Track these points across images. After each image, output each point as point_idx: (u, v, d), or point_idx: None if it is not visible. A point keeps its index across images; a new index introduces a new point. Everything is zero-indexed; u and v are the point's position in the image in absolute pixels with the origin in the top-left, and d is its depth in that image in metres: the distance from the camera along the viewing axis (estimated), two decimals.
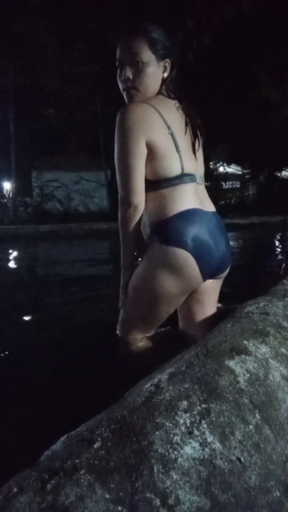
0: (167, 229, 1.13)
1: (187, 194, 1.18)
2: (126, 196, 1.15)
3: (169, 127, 1.17)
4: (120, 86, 1.22)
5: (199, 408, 0.51)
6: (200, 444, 0.46)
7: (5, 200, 11.37)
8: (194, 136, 1.25)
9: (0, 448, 0.81)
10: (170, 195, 1.16)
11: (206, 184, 1.37)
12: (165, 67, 1.20)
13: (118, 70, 1.21)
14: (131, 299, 1.23)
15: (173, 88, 1.24)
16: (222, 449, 0.47)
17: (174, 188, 1.17)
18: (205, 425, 0.49)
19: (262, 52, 9.34)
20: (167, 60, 1.19)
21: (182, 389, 0.54)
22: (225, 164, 13.93)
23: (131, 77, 1.17)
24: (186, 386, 0.55)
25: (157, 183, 1.17)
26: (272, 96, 9.72)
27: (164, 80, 1.22)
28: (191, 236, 1.12)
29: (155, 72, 1.18)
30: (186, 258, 1.11)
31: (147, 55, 1.15)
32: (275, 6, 7.86)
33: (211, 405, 0.52)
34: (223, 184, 13.63)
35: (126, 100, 1.22)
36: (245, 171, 15.24)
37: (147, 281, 1.17)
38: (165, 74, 1.21)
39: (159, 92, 1.23)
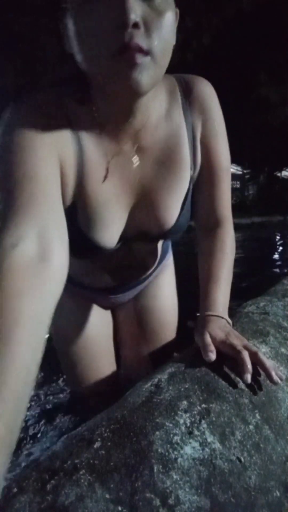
0: None
1: None
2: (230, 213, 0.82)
3: None
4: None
5: (199, 408, 0.51)
6: (200, 444, 0.46)
7: None
8: None
9: None
10: None
11: None
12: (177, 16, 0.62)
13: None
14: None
15: None
16: (222, 449, 0.47)
17: None
18: (205, 425, 0.49)
19: (262, 52, 9.34)
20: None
21: (182, 389, 0.54)
22: None
23: (139, 20, 0.52)
24: (186, 386, 0.55)
25: None
26: (272, 96, 9.74)
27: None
28: None
29: (174, 19, 0.59)
30: None
31: None
32: (275, 6, 7.87)
33: (211, 405, 0.52)
34: None
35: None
36: (245, 171, 15.24)
37: None
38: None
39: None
